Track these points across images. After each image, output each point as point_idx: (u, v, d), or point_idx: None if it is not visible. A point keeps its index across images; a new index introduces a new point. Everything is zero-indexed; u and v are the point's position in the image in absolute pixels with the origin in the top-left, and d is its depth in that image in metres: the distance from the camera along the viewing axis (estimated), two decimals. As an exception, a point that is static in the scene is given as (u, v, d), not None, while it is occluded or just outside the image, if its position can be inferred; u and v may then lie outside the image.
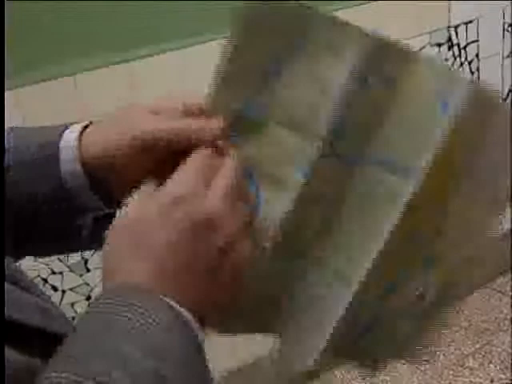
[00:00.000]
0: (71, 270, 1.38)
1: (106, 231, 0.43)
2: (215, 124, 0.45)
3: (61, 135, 0.48)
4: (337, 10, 1.53)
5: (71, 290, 1.39)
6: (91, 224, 0.51)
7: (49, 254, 0.59)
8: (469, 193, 0.45)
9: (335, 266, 0.47)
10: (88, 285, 1.41)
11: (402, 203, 0.43)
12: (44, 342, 0.38)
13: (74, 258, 1.37)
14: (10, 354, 0.34)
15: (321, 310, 0.48)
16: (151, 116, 0.46)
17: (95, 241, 0.50)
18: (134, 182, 0.46)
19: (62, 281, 1.37)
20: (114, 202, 0.50)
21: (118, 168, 0.47)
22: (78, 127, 0.49)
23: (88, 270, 1.40)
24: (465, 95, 0.41)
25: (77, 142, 0.47)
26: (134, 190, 0.47)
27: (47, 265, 1.35)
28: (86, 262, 1.39)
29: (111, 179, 0.48)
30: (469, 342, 1.90)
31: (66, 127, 0.49)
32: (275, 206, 0.45)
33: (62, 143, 0.48)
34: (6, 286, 0.39)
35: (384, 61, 0.43)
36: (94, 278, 1.40)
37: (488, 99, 0.42)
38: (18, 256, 0.51)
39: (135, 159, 0.46)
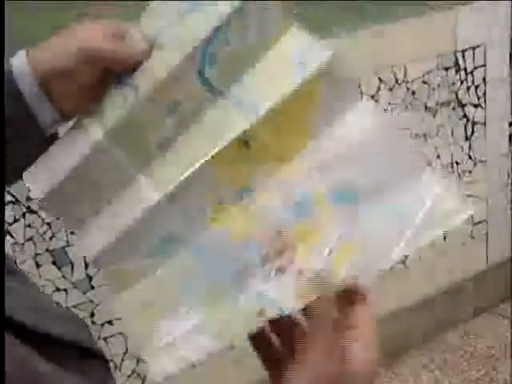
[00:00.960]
0: (75, 287, 1.38)
1: None
2: (141, 46, 0.55)
3: (9, 65, 0.54)
4: (350, 33, 1.55)
5: (75, 307, 1.38)
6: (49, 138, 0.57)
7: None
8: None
9: (156, 173, 0.53)
10: (92, 302, 1.40)
11: (236, 131, 0.49)
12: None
13: (79, 275, 1.37)
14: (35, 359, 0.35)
15: (123, 208, 0.54)
16: (92, 33, 0.55)
17: None
18: (76, 94, 0.56)
19: (66, 298, 1.37)
20: (64, 112, 0.57)
21: (65, 80, 0.54)
22: (20, 53, 0.55)
23: (92, 288, 1.39)
24: (323, 62, 0.48)
25: (26, 61, 0.54)
26: (78, 104, 0.57)
27: (51, 281, 1.34)
28: (90, 279, 1.39)
29: (59, 91, 0.55)
30: (473, 368, 1.88)
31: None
32: (139, 100, 0.54)
33: (13, 66, 0.54)
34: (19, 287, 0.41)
35: (264, 12, 0.52)
36: (98, 295, 1.40)
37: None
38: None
39: (76, 69, 0.54)
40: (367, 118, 0.49)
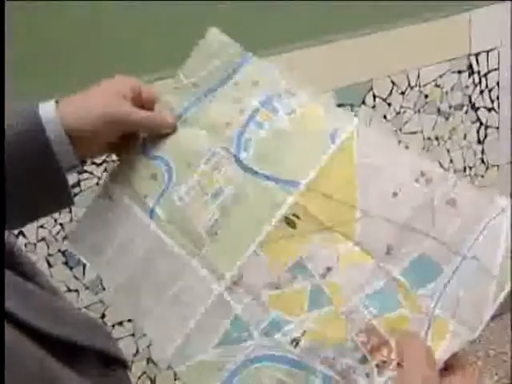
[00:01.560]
0: (87, 288, 1.37)
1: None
2: (169, 120, 0.61)
3: (36, 111, 0.58)
4: (363, 35, 1.54)
5: (86, 308, 1.38)
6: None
7: (38, 216, 0.65)
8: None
9: (211, 260, 0.55)
10: (103, 303, 1.40)
11: (282, 209, 0.52)
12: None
13: (90, 276, 1.37)
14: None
15: (187, 301, 0.55)
16: (117, 98, 0.59)
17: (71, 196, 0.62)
18: (97, 147, 0.61)
19: (77, 298, 1.37)
20: (83, 160, 0.62)
21: (88, 135, 0.59)
22: (50, 103, 0.59)
23: (104, 289, 1.39)
24: (351, 131, 0.51)
25: (56, 113, 0.57)
26: (97, 154, 0.64)
27: (63, 282, 1.34)
28: (101, 280, 1.39)
29: (82, 143, 0.59)
30: (487, 374, 1.86)
31: (33, 108, 0.58)
32: (181, 186, 0.58)
33: (42, 115, 0.57)
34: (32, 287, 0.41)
35: (291, 97, 0.56)
36: (110, 296, 1.40)
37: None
38: (15, 225, 0.61)
39: (102, 130, 0.58)
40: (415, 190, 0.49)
